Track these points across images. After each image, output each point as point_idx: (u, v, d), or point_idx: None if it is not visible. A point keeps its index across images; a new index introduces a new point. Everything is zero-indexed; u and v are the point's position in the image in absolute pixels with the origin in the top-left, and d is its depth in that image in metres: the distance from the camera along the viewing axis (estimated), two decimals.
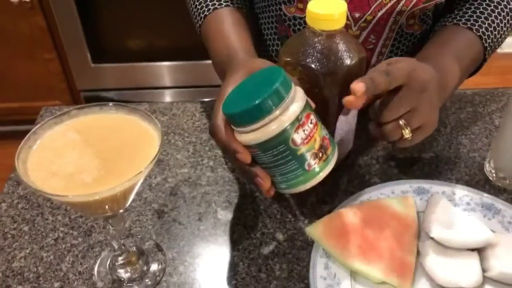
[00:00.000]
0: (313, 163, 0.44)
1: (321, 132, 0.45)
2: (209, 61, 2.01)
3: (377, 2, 0.58)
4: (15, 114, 1.99)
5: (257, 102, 0.41)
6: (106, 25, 1.76)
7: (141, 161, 0.38)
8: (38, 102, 1.96)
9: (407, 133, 0.50)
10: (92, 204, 0.38)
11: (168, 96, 1.97)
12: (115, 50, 1.82)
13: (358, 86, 0.46)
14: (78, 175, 0.38)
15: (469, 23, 0.60)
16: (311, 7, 0.49)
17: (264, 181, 0.43)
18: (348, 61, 0.50)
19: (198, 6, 0.65)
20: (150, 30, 1.79)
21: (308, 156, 0.43)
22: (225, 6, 0.63)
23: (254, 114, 0.41)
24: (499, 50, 2.55)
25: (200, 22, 0.64)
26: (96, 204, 0.38)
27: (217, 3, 0.63)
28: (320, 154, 0.44)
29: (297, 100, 0.43)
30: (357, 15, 0.59)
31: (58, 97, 1.95)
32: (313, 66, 0.50)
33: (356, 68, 0.51)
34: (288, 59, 0.52)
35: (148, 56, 1.84)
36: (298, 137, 0.43)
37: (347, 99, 0.47)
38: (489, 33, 0.60)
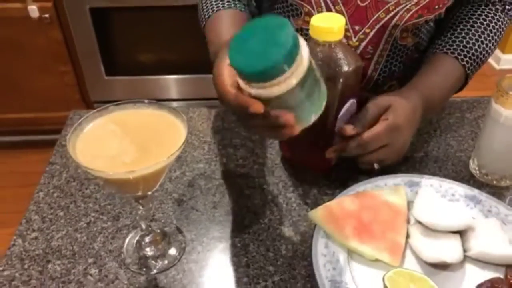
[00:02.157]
0: (322, 81, 0.49)
1: None
2: None
3: (375, 17, 0.66)
4: (30, 124, 2.07)
5: (282, 57, 0.41)
6: (120, 40, 1.85)
7: (171, 147, 0.45)
8: (52, 113, 2.04)
9: (376, 166, 0.63)
10: (130, 182, 0.45)
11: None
12: (128, 63, 1.91)
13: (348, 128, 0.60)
14: (118, 157, 0.45)
15: (456, 52, 0.69)
16: (314, 21, 0.56)
17: (289, 119, 0.45)
18: (346, 68, 0.58)
19: (204, 9, 0.73)
20: (160, 45, 1.87)
21: (320, 76, 0.48)
22: (227, 8, 0.70)
23: (280, 69, 0.42)
24: (496, 67, 2.62)
25: (204, 23, 0.72)
26: (132, 182, 0.45)
27: (220, 5, 0.71)
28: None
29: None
30: (357, 27, 0.67)
31: (72, 108, 2.00)
32: None
33: (353, 75, 0.59)
34: None
35: (158, 69, 1.92)
36: (315, 64, 0.47)
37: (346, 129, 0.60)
38: (472, 61, 0.70)
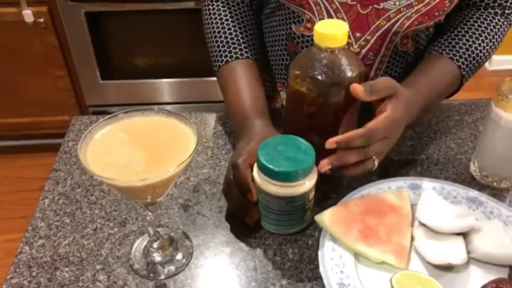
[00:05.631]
0: (308, 215, 0.60)
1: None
2: (208, 78, 2.11)
3: (375, 24, 0.67)
4: (26, 129, 2.06)
5: (308, 165, 0.55)
6: (115, 44, 1.85)
7: (181, 155, 0.46)
8: (47, 117, 2.04)
9: (376, 162, 0.61)
10: (141, 189, 0.45)
11: None
12: (123, 67, 1.91)
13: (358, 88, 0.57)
14: (130, 165, 0.45)
15: (451, 53, 0.69)
16: (318, 28, 0.57)
17: (254, 216, 0.59)
18: (349, 74, 0.59)
19: (215, 52, 0.73)
20: (156, 49, 1.88)
21: (309, 210, 0.59)
22: (240, 58, 0.71)
23: (296, 176, 0.54)
24: (488, 68, 2.66)
25: (215, 68, 0.73)
26: (143, 189, 0.46)
27: (234, 55, 0.71)
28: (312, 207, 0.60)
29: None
30: (358, 34, 0.68)
31: (67, 112, 2.02)
32: (319, 77, 0.58)
33: (356, 80, 0.60)
34: (298, 72, 0.60)
35: (153, 73, 1.93)
36: (311, 194, 0.58)
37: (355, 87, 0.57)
38: (467, 62, 0.70)
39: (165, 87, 1.97)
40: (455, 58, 0.69)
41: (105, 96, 1.97)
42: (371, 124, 0.57)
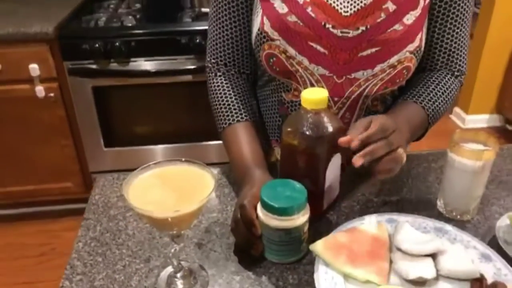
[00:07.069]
0: (304, 246, 0.72)
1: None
2: (206, 142, 2.22)
3: (349, 90, 0.83)
4: (29, 197, 2.14)
5: (302, 201, 0.68)
6: (119, 114, 2.00)
7: (203, 193, 0.58)
8: (50, 184, 2.14)
9: (404, 156, 0.71)
10: (171, 221, 0.57)
11: None
12: (126, 135, 2.05)
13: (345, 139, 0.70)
14: (163, 203, 0.58)
15: (414, 98, 0.86)
16: (304, 94, 0.73)
17: (258, 251, 0.71)
18: (331, 129, 0.73)
19: (220, 116, 0.88)
20: (156, 118, 2.03)
21: (304, 241, 0.71)
22: (241, 120, 0.86)
23: (292, 210, 0.67)
24: (462, 126, 2.85)
25: (220, 130, 0.89)
26: (172, 222, 0.58)
27: (235, 119, 0.86)
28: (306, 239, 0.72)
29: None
30: (335, 99, 0.84)
31: (70, 179, 2.12)
32: (307, 133, 0.73)
33: (337, 134, 0.74)
34: (290, 129, 0.75)
35: (153, 139, 2.07)
36: (306, 228, 0.70)
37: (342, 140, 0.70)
38: (429, 104, 0.85)
39: (163, 152, 2.10)
40: (418, 101, 0.85)
41: (108, 163, 2.09)
42: (378, 122, 0.69)
